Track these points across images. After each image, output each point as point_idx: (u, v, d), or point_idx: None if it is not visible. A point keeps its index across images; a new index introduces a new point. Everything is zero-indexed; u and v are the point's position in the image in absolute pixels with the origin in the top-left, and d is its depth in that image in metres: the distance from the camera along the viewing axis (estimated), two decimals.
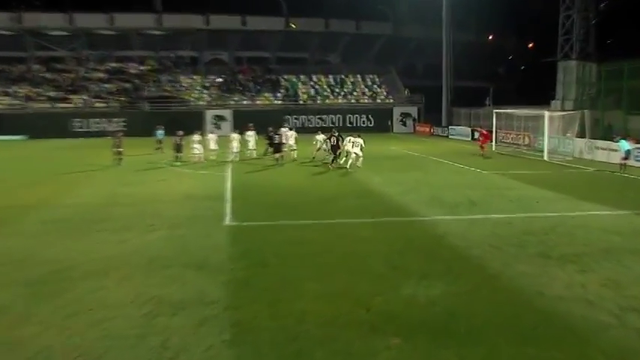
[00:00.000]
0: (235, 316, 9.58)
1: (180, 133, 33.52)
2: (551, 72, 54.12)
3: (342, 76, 74.63)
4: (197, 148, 32.92)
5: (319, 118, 65.05)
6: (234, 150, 33.75)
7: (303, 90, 71.53)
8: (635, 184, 25.22)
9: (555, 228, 15.65)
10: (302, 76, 73.94)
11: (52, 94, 63.63)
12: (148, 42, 75.89)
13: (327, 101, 69.68)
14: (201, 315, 9.61)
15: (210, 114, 62.84)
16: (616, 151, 31.56)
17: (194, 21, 76.50)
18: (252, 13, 77.78)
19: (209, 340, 8.76)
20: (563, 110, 44.10)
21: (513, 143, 45.19)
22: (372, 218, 17.20)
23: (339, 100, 70.18)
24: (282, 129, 36.31)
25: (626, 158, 29.57)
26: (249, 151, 34.87)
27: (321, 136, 33.84)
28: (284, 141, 33.90)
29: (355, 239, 14.58)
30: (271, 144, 32.83)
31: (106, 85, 66.06)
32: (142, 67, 70.31)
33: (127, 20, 74.04)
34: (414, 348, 8.50)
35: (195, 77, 71.10)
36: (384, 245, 13.93)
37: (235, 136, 34.53)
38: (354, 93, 72.20)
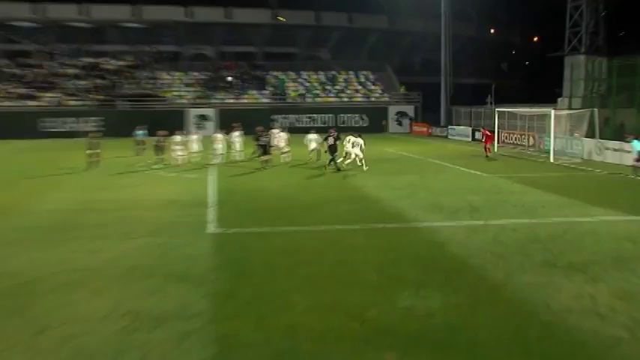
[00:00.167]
0: (219, 330, 9.53)
1: (162, 133, 33.44)
2: (557, 67, 54.36)
3: (334, 73, 74.76)
4: (179, 150, 32.85)
5: (309, 118, 65.07)
6: (219, 152, 33.70)
7: (292, 87, 71.58)
8: None
9: (562, 235, 15.67)
10: (291, 73, 74.03)
11: (19, 91, 63.35)
12: (126, 35, 75.83)
13: (317, 99, 69.74)
14: (183, 329, 9.55)
15: (192, 113, 62.82)
16: (628, 152, 31.62)
17: (175, 13, 76.53)
18: (237, 5, 77.92)
19: (191, 356, 8.71)
20: (571, 108, 44.24)
21: (517, 144, 45.32)
22: (366, 225, 17.18)
23: (331, 99, 70.26)
24: (273, 130, 36.35)
25: (639, 160, 29.66)
26: (235, 153, 34.84)
27: (313, 136, 33.81)
28: (276, 143, 33.93)
29: (347, 247, 14.55)
30: (259, 145, 32.82)
31: (80, 82, 65.85)
32: (118, 63, 70.06)
33: (102, 12, 73.92)
34: None
35: (176, 74, 71.07)
36: (379, 254, 13.91)
37: (220, 136, 34.47)
38: (347, 91, 72.31)
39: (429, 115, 67.35)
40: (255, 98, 68.85)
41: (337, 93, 71.53)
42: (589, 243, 14.86)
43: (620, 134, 36.90)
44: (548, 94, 57.54)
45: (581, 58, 49.86)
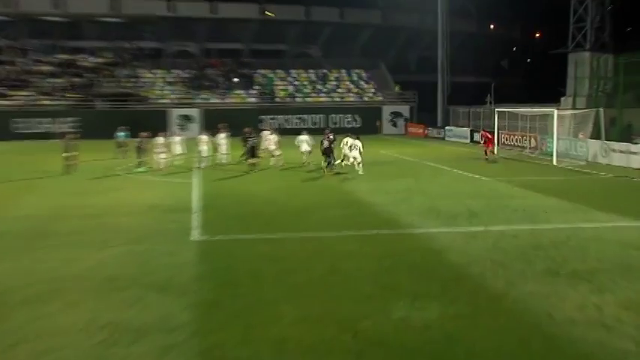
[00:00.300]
0: (203, 344, 9.49)
1: (144, 134, 33.34)
2: (561, 65, 54.58)
3: (325, 71, 74.87)
4: (162, 153, 32.78)
5: (299, 119, 65.13)
6: (204, 154, 33.65)
7: (281, 86, 71.60)
8: None
9: (566, 242, 15.71)
10: (279, 71, 74.07)
11: None
12: (104, 31, 75.33)
13: (307, 99, 69.82)
14: (165, 342, 9.51)
15: (175, 113, 62.73)
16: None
17: (157, 7, 76.30)
18: None
19: None
20: (575, 108, 44.44)
21: (518, 146, 45.45)
22: (358, 231, 17.18)
23: (321, 98, 70.34)
24: (264, 132, 36.35)
25: None
26: (221, 156, 34.80)
27: (304, 137, 33.81)
28: (266, 145, 33.91)
29: (339, 255, 14.54)
30: (247, 148, 32.75)
31: (55, 80, 65.63)
32: (96, 60, 69.89)
33: (79, 5, 73.41)
34: None
35: (158, 72, 70.98)
36: (372, 262, 13.91)
37: (205, 138, 34.41)
38: (338, 90, 72.42)
39: (425, 115, 67.47)
40: (242, 98, 68.83)
41: (328, 92, 71.62)
42: (594, 250, 14.89)
43: (627, 135, 37.09)
44: (551, 94, 57.74)
45: (586, 55, 50.05)
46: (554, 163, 35.34)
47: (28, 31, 72.63)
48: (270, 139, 34.51)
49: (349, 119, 66.34)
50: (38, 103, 62.30)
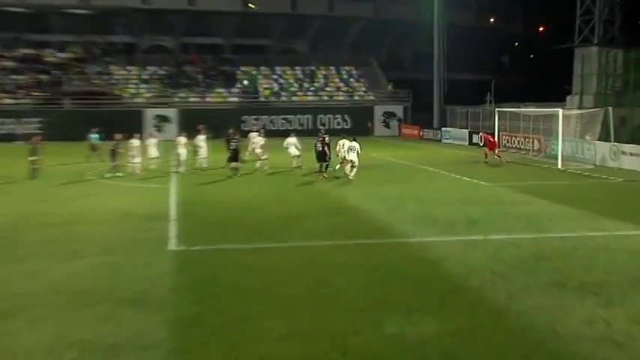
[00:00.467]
0: None
1: (119, 137, 33.21)
2: (566, 61, 54.69)
3: (312, 68, 74.89)
4: (136, 156, 32.68)
5: (284, 119, 65.15)
6: (182, 158, 33.59)
7: (265, 85, 71.58)
8: None
9: (572, 251, 15.78)
10: (263, 68, 74.04)
11: None
12: (72, 23, 75.12)
13: (293, 98, 69.84)
14: None
15: (150, 113, 62.59)
16: None
17: None
18: None
19: None
20: (582, 108, 44.56)
21: (520, 148, 45.61)
22: (349, 240, 17.20)
23: (309, 97, 70.42)
24: (252, 133, 36.40)
25: None
26: (201, 160, 34.74)
27: (292, 140, 33.82)
28: (253, 148, 33.89)
29: (327, 266, 14.56)
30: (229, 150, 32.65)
31: (18, 77, 65.31)
32: (64, 55, 69.66)
33: None
34: None
35: (131, 68, 70.79)
36: (363, 273, 13.93)
37: (183, 140, 34.32)
38: (327, 88, 72.49)
39: (420, 115, 67.57)
40: (223, 97, 68.76)
41: (316, 91, 71.69)
42: (602, 261, 14.96)
43: (638, 136, 37.20)
44: (556, 92, 57.96)
45: (594, 50, 50.15)
46: (560, 166, 35.44)
47: None
48: (256, 142, 34.52)
49: (338, 120, 66.35)
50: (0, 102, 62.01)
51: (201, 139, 35.09)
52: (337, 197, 25.26)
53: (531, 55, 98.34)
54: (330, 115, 66.72)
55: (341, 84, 73.49)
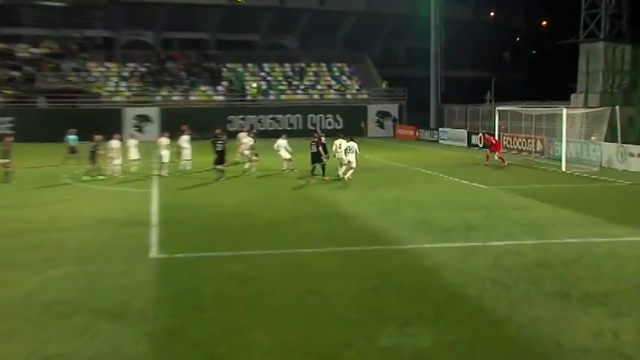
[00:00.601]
0: None
1: (98, 138, 33.10)
2: (571, 57, 54.81)
3: (302, 65, 74.89)
4: (116, 158, 32.60)
5: (273, 119, 65.15)
6: (164, 160, 33.51)
7: (252, 83, 71.52)
8: None
9: (577, 259, 15.81)
10: (250, 65, 74.03)
11: None
12: (45, 17, 74.83)
13: (282, 97, 69.88)
14: None
15: (130, 113, 62.48)
16: None
17: None
18: None
19: None
20: (587, 107, 44.63)
21: (522, 150, 45.69)
22: (341, 247, 17.21)
23: (298, 96, 70.43)
24: (241, 133, 36.39)
25: None
26: (184, 162, 34.69)
27: (282, 141, 33.83)
28: (242, 149, 33.86)
29: (318, 274, 14.56)
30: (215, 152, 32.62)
31: None
32: (37, 51, 69.35)
33: None
34: None
35: (109, 65, 70.63)
36: (356, 282, 13.93)
37: (165, 141, 34.24)
38: (318, 86, 72.56)
39: (416, 115, 67.63)
40: (208, 95, 68.73)
41: (306, 89, 71.70)
42: (609, 268, 14.98)
43: None
44: (560, 90, 58.12)
45: (600, 45, 50.23)
46: (564, 169, 35.55)
47: None
48: (245, 143, 34.54)
49: (330, 120, 66.37)
50: None
51: (184, 140, 35.04)
52: (329, 201, 25.27)
53: (534, 51, 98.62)
54: (322, 115, 66.71)
55: (332, 82, 73.54)
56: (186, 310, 12.24)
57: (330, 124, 65.42)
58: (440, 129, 61.56)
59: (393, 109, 69.62)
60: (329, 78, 74.09)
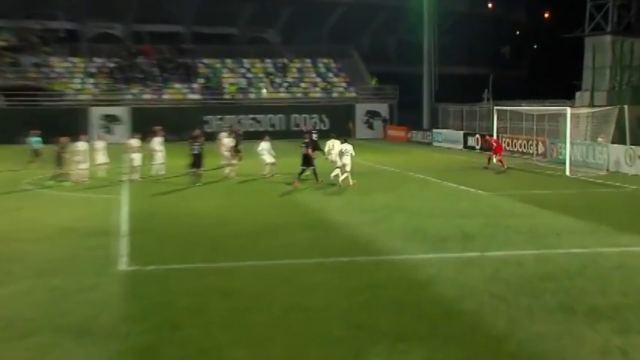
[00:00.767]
0: None
1: (64, 140, 32.97)
2: (575, 52, 55.00)
3: (285, 61, 74.90)
4: (81, 162, 32.51)
5: (253, 119, 65.10)
6: (135, 164, 33.43)
7: (230, 80, 71.49)
8: None
9: (583, 270, 15.86)
10: (228, 61, 74.01)
11: None
12: (1, 6, 74.39)
13: (263, 95, 69.72)
14: None
15: (97, 113, 62.33)
16: None
17: None
18: None
19: None
20: (593, 106, 44.79)
21: (523, 152, 45.81)
22: (327, 258, 17.20)
23: (281, 94, 70.42)
24: (222, 134, 36.35)
25: None
26: (157, 166, 34.61)
27: (265, 144, 33.79)
28: (221, 151, 33.85)
29: (302, 288, 14.56)
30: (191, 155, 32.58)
31: None
32: None
33: None
34: None
35: (74, 60, 70.40)
36: (343, 296, 13.93)
37: (136, 143, 34.15)
38: (302, 84, 72.58)
39: (408, 115, 67.80)
40: (182, 94, 68.64)
41: (289, 87, 71.70)
42: (617, 281, 15.04)
43: None
44: (563, 88, 58.36)
45: (607, 39, 50.36)
46: (568, 173, 35.61)
47: None
48: (224, 144, 34.55)
49: (315, 120, 66.30)
50: None
51: (157, 143, 34.94)
52: (315, 208, 25.27)
53: (535, 46, 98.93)
54: (306, 115, 66.78)
55: (318, 79, 73.60)
56: (159, 327, 12.20)
57: (315, 124, 65.23)
58: (434, 130, 61.69)
59: (383, 108, 69.73)
60: (314, 75, 74.16)
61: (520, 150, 46.26)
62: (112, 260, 17.14)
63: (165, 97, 67.59)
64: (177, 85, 69.26)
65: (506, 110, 47.01)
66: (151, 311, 13.10)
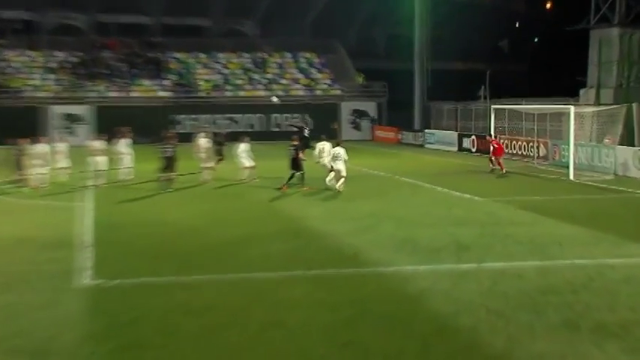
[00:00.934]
0: None
1: (24, 141, 32.87)
2: (580, 46, 55.18)
3: (264, 55, 74.89)
4: (39, 166, 32.40)
5: (229, 119, 65.04)
6: (99, 168, 33.34)
7: (203, 76, 71.46)
8: None
9: (588, 283, 15.89)
10: (201, 55, 73.98)
11: None
12: None
13: (240, 93, 69.79)
14: None
15: (57, 111, 62.16)
16: None
17: None
18: None
19: None
20: (599, 104, 44.95)
21: (522, 155, 45.93)
22: (309, 271, 17.20)
23: (259, 92, 70.37)
24: (200, 134, 36.43)
25: None
26: (124, 170, 34.55)
27: (244, 146, 33.79)
28: (197, 154, 33.92)
29: (282, 303, 14.53)
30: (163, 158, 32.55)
31: None
32: None
33: None
34: None
35: (31, 54, 70.19)
36: (326, 311, 13.93)
37: (100, 146, 34.09)
38: (282, 81, 72.59)
39: (398, 114, 67.87)
40: (151, 91, 68.54)
41: (268, 84, 71.69)
42: (626, 295, 15.07)
43: None
44: (566, 85, 58.54)
45: (614, 31, 50.53)
46: (571, 177, 35.75)
47: None
48: (199, 145, 34.58)
49: (296, 120, 66.20)
50: None
51: (124, 145, 34.89)
52: (296, 217, 25.28)
53: (536, 39, 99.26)
54: (287, 115, 66.70)
55: (299, 75, 73.67)
56: (125, 348, 12.15)
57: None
58: (426, 131, 61.86)
59: (370, 107, 69.85)
60: (295, 70, 74.21)
61: (520, 152, 46.42)
62: (74, 274, 17.08)
63: (133, 94, 67.51)
64: (146, 82, 69.21)
65: (505, 109, 47.10)
66: (116, 330, 13.04)
